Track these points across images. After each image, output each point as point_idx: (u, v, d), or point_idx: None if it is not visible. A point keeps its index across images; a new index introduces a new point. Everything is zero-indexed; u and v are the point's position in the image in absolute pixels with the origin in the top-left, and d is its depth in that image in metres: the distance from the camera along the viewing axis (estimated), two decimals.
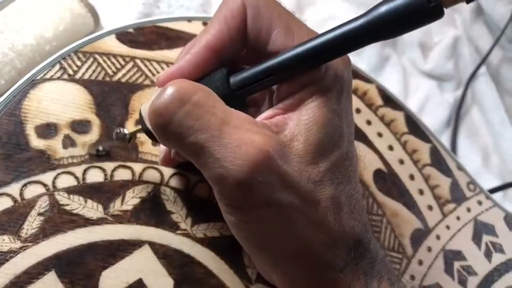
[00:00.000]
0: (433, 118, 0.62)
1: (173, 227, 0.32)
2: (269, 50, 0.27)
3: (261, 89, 0.28)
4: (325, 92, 0.26)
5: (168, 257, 0.32)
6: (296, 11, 0.57)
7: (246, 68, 0.27)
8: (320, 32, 0.27)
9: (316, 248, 0.26)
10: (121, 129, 0.31)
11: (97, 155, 0.32)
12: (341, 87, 0.27)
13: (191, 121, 0.24)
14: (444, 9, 0.22)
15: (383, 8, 0.23)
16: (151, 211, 0.32)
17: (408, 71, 0.64)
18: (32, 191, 0.31)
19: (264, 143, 0.24)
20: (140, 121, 0.29)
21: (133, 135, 0.31)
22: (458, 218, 0.41)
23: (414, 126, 0.42)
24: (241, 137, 0.24)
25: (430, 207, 0.40)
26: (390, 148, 0.40)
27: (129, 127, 0.33)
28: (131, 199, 0.32)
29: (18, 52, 0.46)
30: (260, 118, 0.27)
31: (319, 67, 0.26)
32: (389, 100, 0.42)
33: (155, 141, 0.30)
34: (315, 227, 0.26)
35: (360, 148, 0.39)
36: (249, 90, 0.27)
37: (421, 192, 0.40)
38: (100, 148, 0.32)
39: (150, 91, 0.35)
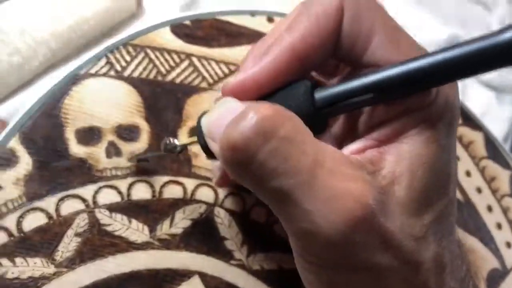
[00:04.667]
0: None
1: (226, 255, 0.28)
2: (365, 62, 0.22)
3: (353, 110, 0.23)
4: (434, 122, 0.21)
5: None
6: None
7: (333, 83, 0.23)
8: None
9: None
10: (171, 140, 0.26)
11: (137, 164, 0.28)
12: (452, 117, 0.22)
13: (276, 162, 0.19)
14: None
15: None
16: (203, 236, 0.28)
17: (466, 79, 0.59)
18: (69, 206, 0.26)
19: (363, 193, 0.19)
20: (198, 133, 0.24)
21: (185, 147, 0.26)
22: None
23: (494, 150, 0.37)
24: (336, 185, 0.19)
25: (508, 244, 0.35)
26: (468, 174, 0.35)
27: (182, 136, 0.29)
28: (181, 220, 0.28)
29: (54, 32, 0.42)
30: (346, 151, 0.22)
31: (429, 90, 0.21)
32: (468, 118, 0.37)
33: (211, 158, 0.25)
34: None
35: None
36: (337, 110, 0.22)
37: (499, 226, 0.35)
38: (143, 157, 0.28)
39: (207, 96, 0.30)
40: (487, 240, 0.35)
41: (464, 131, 0.36)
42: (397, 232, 0.20)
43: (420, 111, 0.21)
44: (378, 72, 0.21)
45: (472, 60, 0.19)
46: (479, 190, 0.36)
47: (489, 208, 0.35)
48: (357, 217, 0.19)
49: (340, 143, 0.24)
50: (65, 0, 0.43)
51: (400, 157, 0.21)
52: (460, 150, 0.36)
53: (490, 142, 0.37)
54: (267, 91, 0.22)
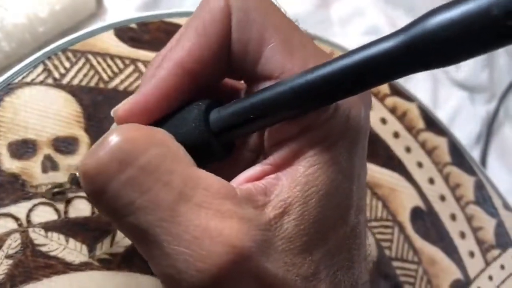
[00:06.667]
0: (462, 133, 0.57)
1: None
2: (258, 73, 0.20)
3: (252, 132, 0.21)
4: (332, 142, 0.19)
5: None
6: (322, 4, 0.51)
7: (234, 101, 0.20)
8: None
9: None
10: (77, 174, 0.24)
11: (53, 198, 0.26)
12: (356, 136, 0.19)
13: (133, 194, 0.17)
14: None
15: (432, 22, 0.15)
16: None
17: (438, 79, 0.58)
18: (0, 226, 0.24)
19: (237, 234, 0.17)
20: None
21: None
22: (502, 267, 0.35)
23: (458, 156, 0.36)
24: (205, 224, 0.17)
25: (471, 254, 0.34)
26: (431, 181, 0.34)
27: None
28: (123, 239, 0.26)
29: (6, 32, 0.40)
30: (243, 177, 0.19)
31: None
32: (432, 124, 0.36)
33: None
34: None
35: (398, 181, 0.33)
36: (234, 134, 0.20)
37: (462, 235, 0.34)
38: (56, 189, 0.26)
39: None
40: (450, 250, 0.34)
41: (427, 137, 0.35)
42: (281, 273, 0.18)
43: (316, 129, 0.18)
44: (270, 89, 0.18)
45: (367, 69, 0.16)
46: (442, 198, 0.34)
47: (453, 217, 0.34)
48: (226, 262, 0.16)
49: (256, 159, 0.22)
50: None
51: (294, 184, 0.18)
52: (423, 156, 0.35)
53: (455, 147, 0.36)
54: (160, 114, 0.20)
